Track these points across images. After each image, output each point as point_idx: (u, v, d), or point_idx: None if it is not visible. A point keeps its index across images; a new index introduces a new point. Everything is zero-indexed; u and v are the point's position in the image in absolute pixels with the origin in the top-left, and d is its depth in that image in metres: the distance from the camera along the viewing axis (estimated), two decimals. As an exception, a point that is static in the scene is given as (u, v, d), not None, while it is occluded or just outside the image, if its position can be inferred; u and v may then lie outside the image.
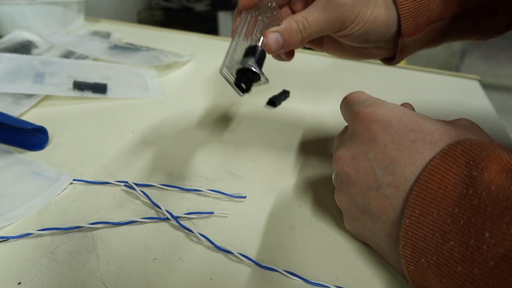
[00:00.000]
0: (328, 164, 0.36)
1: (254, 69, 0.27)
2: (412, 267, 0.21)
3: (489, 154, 0.20)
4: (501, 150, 0.20)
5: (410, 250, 0.21)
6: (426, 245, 0.20)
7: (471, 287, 0.18)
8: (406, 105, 0.29)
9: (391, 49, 0.34)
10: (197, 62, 0.60)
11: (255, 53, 0.28)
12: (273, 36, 0.29)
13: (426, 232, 0.20)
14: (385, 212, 0.23)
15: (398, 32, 0.32)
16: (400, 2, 0.30)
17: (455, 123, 0.24)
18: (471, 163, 0.20)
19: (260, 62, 0.28)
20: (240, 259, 0.25)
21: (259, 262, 0.25)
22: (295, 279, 0.24)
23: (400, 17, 0.31)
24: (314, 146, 0.39)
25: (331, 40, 0.36)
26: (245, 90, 0.27)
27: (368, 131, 0.24)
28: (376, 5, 0.30)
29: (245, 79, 0.27)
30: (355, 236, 0.27)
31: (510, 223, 0.17)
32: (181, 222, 0.28)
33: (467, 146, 0.21)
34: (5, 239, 0.26)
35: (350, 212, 0.26)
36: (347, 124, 0.29)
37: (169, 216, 0.28)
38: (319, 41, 0.37)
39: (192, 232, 0.27)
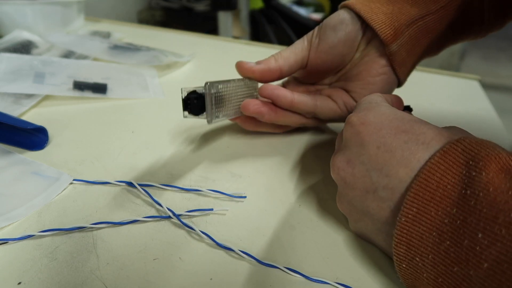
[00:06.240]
0: (328, 164, 0.36)
1: (200, 92, 0.30)
2: (404, 265, 0.21)
3: (489, 153, 0.19)
4: (500, 149, 0.20)
5: (404, 248, 0.21)
6: (422, 243, 0.20)
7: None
8: (395, 99, 0.29)
9: (384, 62, 0.34)
10: (197, 62, 0.60)
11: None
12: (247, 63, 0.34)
13: (423, 230, 0.20)
14: (383, 214, 0.23)
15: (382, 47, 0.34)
16: (370, 17, 0.32)
17: (447, 127, 0.25)
18: (471, 162, 0.20)
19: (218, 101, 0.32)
20: (241, 256, 0.25)
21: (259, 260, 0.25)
22: (295, 276, 0.24)
23: (375, 29, 0.32)
24: (314, 146, 0.39)
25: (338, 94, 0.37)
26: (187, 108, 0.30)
27: (359, 134, 0.25)
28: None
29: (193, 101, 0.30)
30: (360, 237, 0.27)
31: (502, 224, 0.17)
32: (182, 220, 0.28)
33: (467, 144, 0.20)
34: (5, 241, 0.26)
35: (351, 215, 0.26)
36: None
37: (170, 214, 0.28)
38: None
39: (193, 229, 0.27)
